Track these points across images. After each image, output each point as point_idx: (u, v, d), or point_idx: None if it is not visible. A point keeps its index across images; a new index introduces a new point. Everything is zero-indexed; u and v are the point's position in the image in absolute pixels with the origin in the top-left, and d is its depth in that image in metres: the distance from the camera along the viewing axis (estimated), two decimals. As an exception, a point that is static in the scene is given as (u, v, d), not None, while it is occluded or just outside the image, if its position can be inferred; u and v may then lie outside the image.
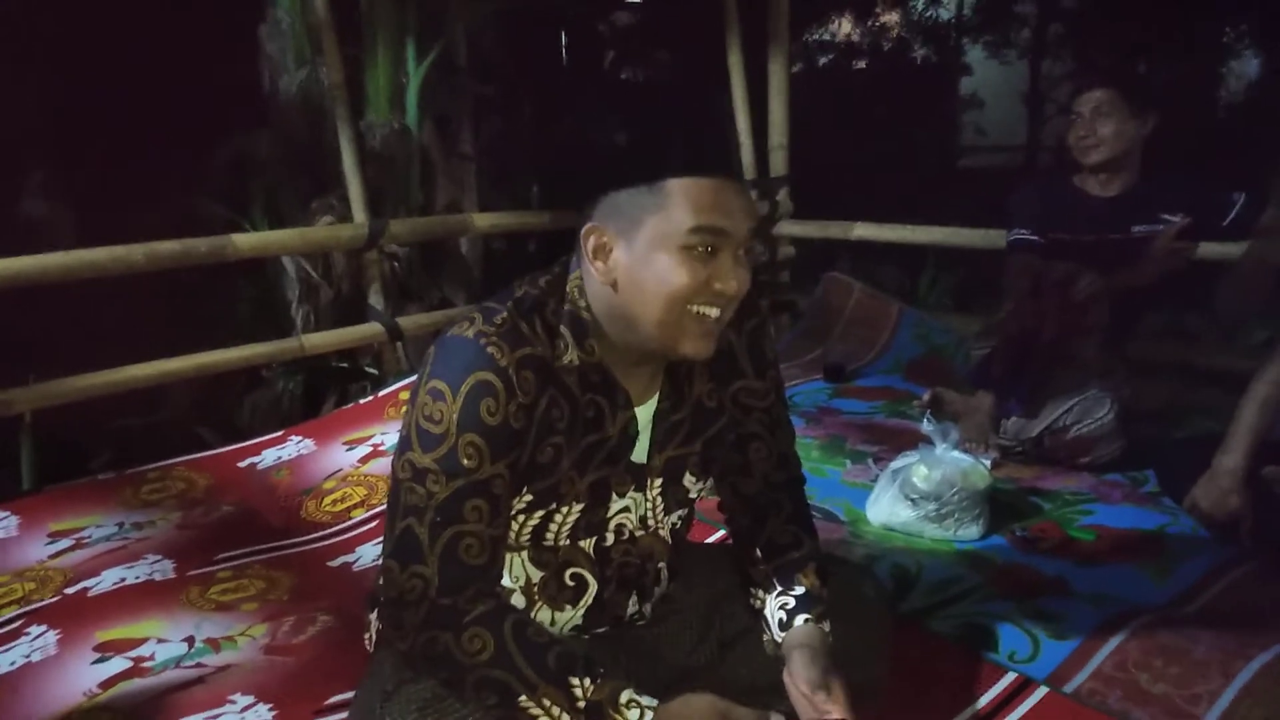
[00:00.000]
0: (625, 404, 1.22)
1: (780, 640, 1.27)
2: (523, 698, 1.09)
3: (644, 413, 1.25)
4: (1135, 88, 2.55)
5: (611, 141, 1.13)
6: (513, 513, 1.20)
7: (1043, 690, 1.53)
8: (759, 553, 1.35)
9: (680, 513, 1.35)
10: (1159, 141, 2.55)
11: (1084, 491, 2.33)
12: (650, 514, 1.30)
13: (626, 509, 1.27)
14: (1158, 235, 2.43)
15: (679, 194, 1.10)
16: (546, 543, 1.24)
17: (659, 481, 1.29)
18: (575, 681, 1.10)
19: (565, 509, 1.22)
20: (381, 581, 1.17)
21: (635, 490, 1.27)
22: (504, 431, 1.12)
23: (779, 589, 1.29)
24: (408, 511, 1.13)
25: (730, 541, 1.45)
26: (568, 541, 1.24)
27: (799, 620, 1.26)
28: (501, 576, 1.23)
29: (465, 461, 1.11)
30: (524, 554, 1.25)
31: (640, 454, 1.26)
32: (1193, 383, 2.94)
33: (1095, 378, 2.46)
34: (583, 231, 1.16)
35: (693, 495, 1.35)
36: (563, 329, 1.18)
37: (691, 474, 1.32)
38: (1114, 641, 1.61)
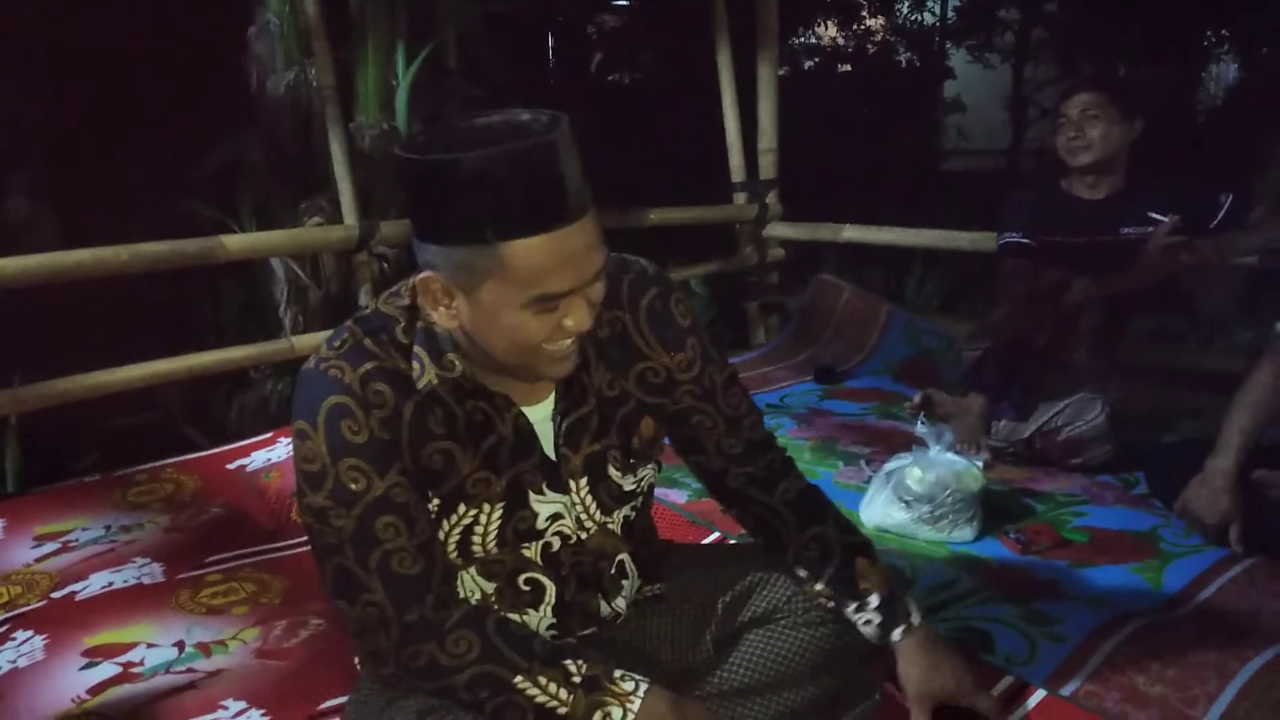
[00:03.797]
0: (507, 405, 1.18)
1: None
2: (518, 679, 1.09)
3: (539, 411, 1.20)
4: (1123, 91, 2.56)
5: (451, 189, 1.01)
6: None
7: (1041, 693, 1.53)
8: (791, 557, 1.31)
9: (630, 504, 1.29)
10: (1146, 144, 2.57)
11: (1076, 493, 2.34)
12: (585, 515, 1.25)
13: (559, 515, 1.22)
14: (1149, 236, 2.44)
15: (515, 259, 1.00)
16: (476, 553, 1.19)
17: (584, 482, 1.23)
18: (568, 662, 1.11)
19: (483, 513, 1.18)
20: (340, 620, 1.15)
21: (556, 491, 1.22)
22: (375, 446, 1.09)
23: (851, 605, 1.28)
24: (330, 552, 1.11)
25: (723, 540, 1.43)
26: (496, 549, 1.20)
27: (896, 635, 1.27)
28: (453, 577, 1.20)
29: (354, 486, 1.09)
30: (470, 570, 1.22)
31: (548, 450, 1.21)
32: (1183, 386, 2.96)
33: (1087, 380, 2.47)
34: (417, 280, 1.08)
35: (629, 489, 1.28)
36: (417, 348, 1.13)
37: (615, 468, 1.25)
38: (1110, 644, 1.61)
